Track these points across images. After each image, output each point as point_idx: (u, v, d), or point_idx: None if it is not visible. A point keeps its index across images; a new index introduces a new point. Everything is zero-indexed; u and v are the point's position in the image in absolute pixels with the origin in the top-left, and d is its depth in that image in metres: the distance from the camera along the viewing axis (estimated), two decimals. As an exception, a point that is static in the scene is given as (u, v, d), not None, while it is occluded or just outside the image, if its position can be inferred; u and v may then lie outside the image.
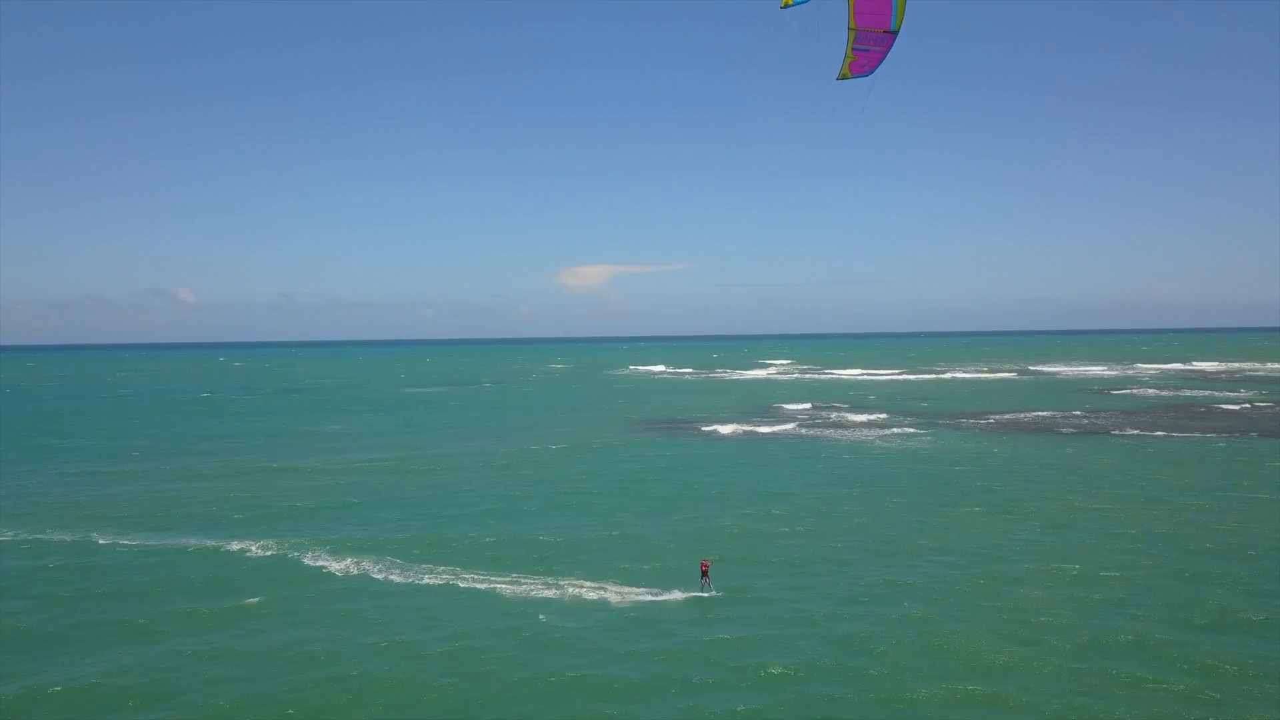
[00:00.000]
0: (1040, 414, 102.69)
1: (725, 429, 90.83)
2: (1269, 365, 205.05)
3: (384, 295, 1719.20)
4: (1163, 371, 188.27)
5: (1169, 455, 69.37)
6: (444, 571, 38.65)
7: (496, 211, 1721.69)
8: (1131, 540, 42.40)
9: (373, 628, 31.77)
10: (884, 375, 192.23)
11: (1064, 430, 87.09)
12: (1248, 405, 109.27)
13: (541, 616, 32.52)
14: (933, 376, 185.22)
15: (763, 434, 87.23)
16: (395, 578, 38.03)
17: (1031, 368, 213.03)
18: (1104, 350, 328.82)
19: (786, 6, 20.76)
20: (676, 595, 34.64)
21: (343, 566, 39.85)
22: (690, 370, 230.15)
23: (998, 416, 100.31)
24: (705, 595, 34.27)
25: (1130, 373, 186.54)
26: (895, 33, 20.66)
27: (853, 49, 21.23)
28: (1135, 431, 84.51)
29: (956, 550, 41.02)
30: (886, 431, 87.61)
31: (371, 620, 32.64)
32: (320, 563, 40.58)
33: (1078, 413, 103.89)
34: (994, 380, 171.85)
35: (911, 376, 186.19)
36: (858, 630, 30.64)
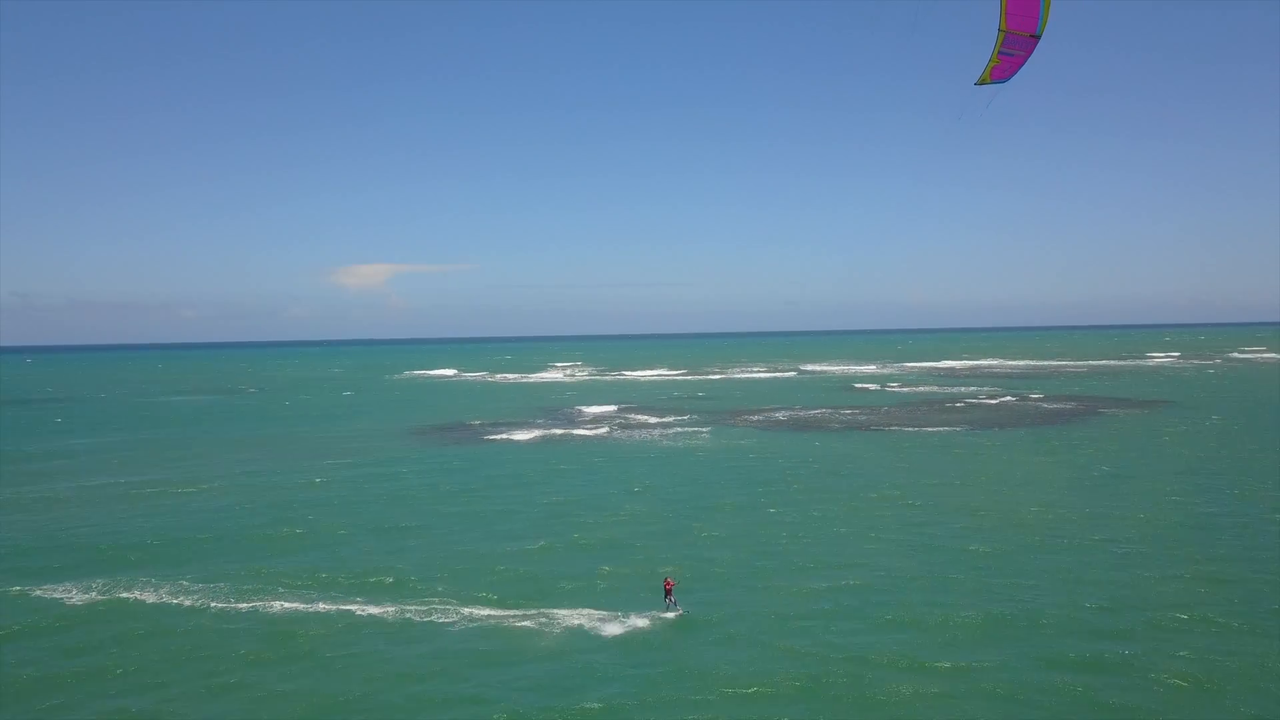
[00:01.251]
0: (817, 411, 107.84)
1: (523, 434, 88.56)
2: (1010, 362, 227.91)
3: (136, 295, 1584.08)
4: (919, 369, 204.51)
5: (921, 447, 74.23)
6: (286, 607, 34.61)
7: (264, 205, 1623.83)
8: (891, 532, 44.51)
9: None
10: (677, 376, 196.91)
11: (833, 426, 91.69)
12: (989, 400, 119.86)
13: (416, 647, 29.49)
14: (721, 376, 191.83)
15: (570, 437, 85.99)
16: (207, 619, 33.59)
17: (804, 367, 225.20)
18: (870, 349, 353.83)
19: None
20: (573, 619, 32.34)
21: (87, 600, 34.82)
22: (483, 374, 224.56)
23: (780, 413, 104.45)
24: (671, 615, 32.15)
25: (891, 370, 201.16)
26: (1039, 37, 19.65)
27: (999, 53, 20.25)
28: (895, 426, 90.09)
29: (817, 547, 41.40)
30: (686, 430, 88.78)
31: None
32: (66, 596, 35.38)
33: (846, 410, 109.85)
34: (775, 379, 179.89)
35: (701, 377, 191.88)
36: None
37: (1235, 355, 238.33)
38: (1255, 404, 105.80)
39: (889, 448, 74.69)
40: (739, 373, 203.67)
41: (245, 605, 34.61)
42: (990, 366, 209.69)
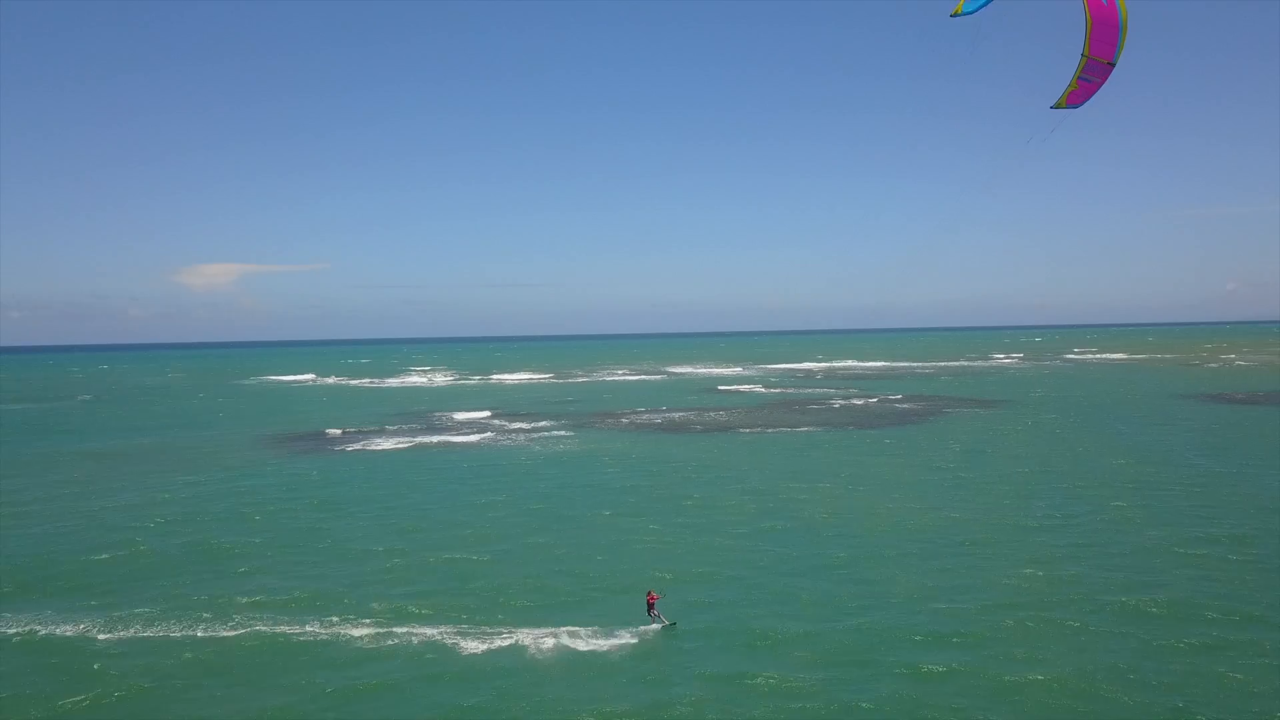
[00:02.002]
0: (683, 413, 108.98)
1: (387, 442, 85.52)
2: (865, 363, 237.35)
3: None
4: (780, 370, 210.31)
5: (781, 448, 76.06)
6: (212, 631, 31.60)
7: (99, 202, 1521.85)
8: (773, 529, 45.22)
9: None
10: (543, 379, 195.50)
11: (697, 428, 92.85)
12: (845, 401, 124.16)
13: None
14: (587, 379, 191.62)
15: (436, 444, 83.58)
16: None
17: (670, 369, 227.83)
18: (733, 351, 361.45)
19: (957, 15, 20.40)
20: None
21: None
22: (342, 378, 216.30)
23: (648, 416, 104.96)
24: (657, 627, 31.46)
25: (753, 372, 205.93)
26: (1114, 65, 19.95)
27: (1078, 78, 20.65)
28: (757, 428, 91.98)
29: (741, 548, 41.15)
30: (555, 435, 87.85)
31: None
32: None
33: (712, 412, 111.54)
34: (641, 382, 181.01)
35: (567, 380, 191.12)
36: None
37: (1069, 356, 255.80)
38: (1086, 403, 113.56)
39: (751, 449, 76.20)
40: (605, 375, 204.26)
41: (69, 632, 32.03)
42: (847, 368, 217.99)
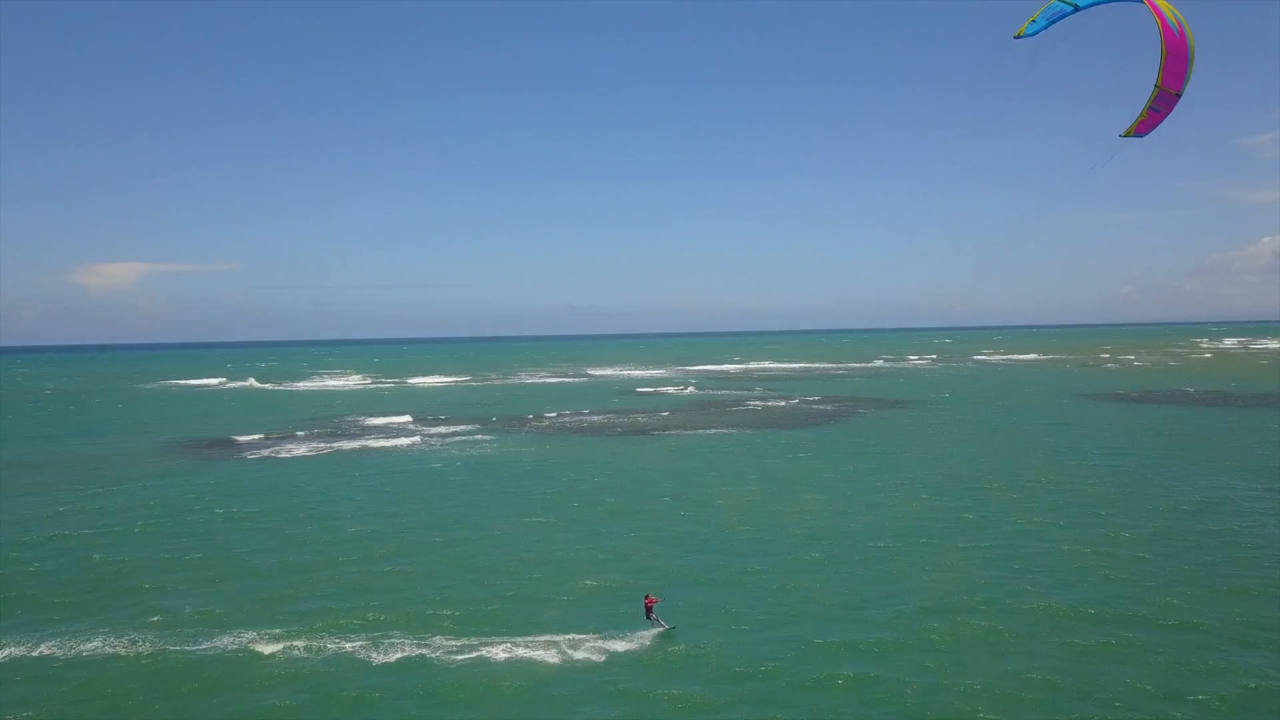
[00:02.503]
0: (602, 416, 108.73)
1: (300, 449, 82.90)
2: (781, 365, 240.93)
3: None
4: (698, 372, 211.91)
5: (699, 450, 76.49)
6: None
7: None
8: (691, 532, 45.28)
9: None
10: (459, 382, 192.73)
11: (617, 431, 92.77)
12: (762, 402, 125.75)
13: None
14: (504, 382, 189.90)
15: (351, 450, 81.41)
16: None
17: (589, 371, 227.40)
18: (652, 353, 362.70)
19: (1020, 37, 21.08)
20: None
21: None
22: (249, 382, 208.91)
23: (567, 418, 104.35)
24: (660, 630, 31.16)
25: (672, 373, 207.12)
26: (1180, 95, 20.71)
27: (1149, 108, 21.31)
28: (676, 430, 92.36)
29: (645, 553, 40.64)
30: (472, 439, 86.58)
31: None
32: None
33: (631, 414, 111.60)
34: (560, 384, 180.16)
35: (484, 383, 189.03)
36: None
37: (979, 357, 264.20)
38: (993, 403, 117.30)
39: (670, 452, 76.45)
40: (523, 378, 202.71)
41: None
42: (764, 369, 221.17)
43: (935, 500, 53.22)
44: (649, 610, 31.59)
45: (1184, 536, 42.91)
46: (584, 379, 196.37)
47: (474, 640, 30.95)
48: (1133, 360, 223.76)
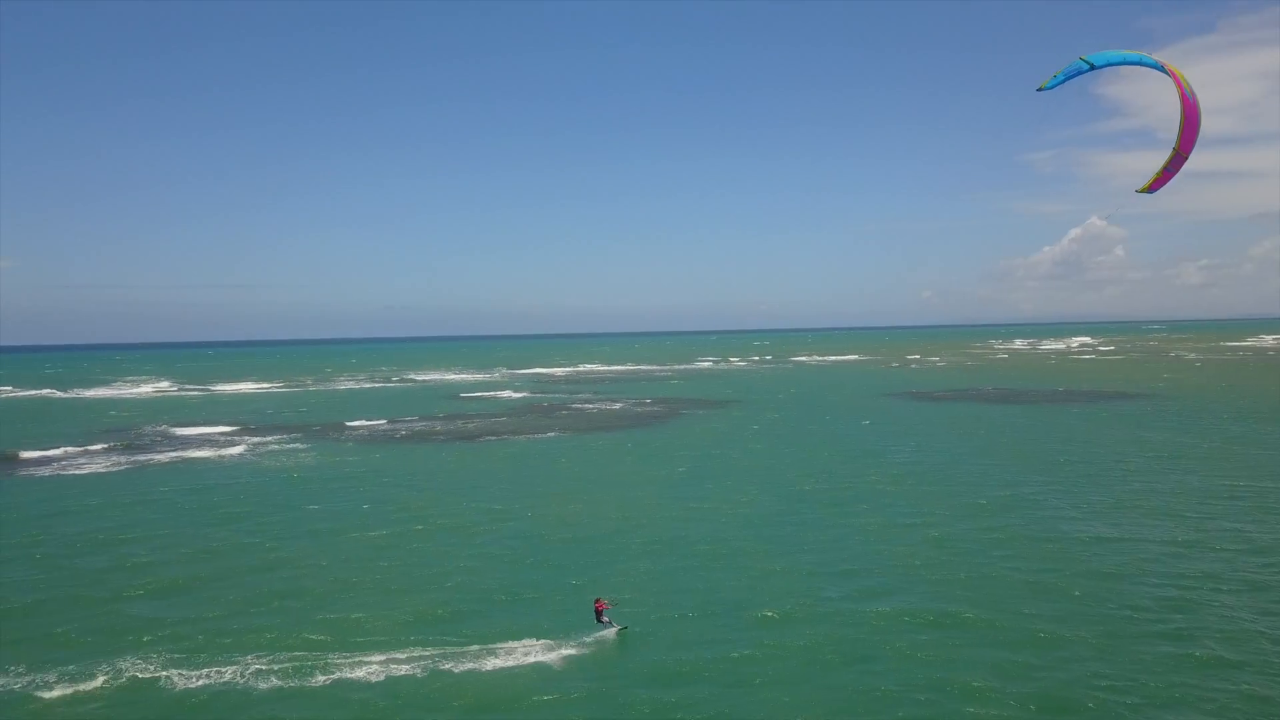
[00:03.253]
0: (425, 422, 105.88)
1: (98, 464, 75.81)
2: (606, 366, 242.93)
3: None
4: (523, 375, 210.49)
5: (526, 455, 75.97)
6: None
7: None
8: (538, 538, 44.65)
9: None
10: (272, 389, 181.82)
11: (440, 437, 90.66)
12: (589, 405, 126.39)
13: None
14: (321, 388, 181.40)
15: (157, 464, 75.19)
16: None
17: (410, 375, 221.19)
18: (475, 356, 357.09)
19: (1043, 89, 23.41)
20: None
21: None
22: (31, 391, 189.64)
23: (387, 425, 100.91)
24: (611, 631, 31.34)
25: (496, 377, 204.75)
26: (1187, 156, 23.50)
27: (1164, 168, 23.99)
28: (502, 435, 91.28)
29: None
30: (287, 449, 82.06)
31: None
32: None
33: (455, 420, 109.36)
34: (380, 390, 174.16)
35: (298, 389, 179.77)
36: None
37: (797, 359, 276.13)
38: (809, 402, 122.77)
39: (495, 457, 75.48)
40: (340, 384, 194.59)
41: None
42: (590, 372, 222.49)
43: (756, 498, 54.95)
44: (599, 614, 31.79)
45: (990, 533, 45.85)
46: (407, 384, 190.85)
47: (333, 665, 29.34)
48: (937, 361, 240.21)
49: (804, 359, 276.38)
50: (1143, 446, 72.25)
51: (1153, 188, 25.53)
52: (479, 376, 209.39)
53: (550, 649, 30.33)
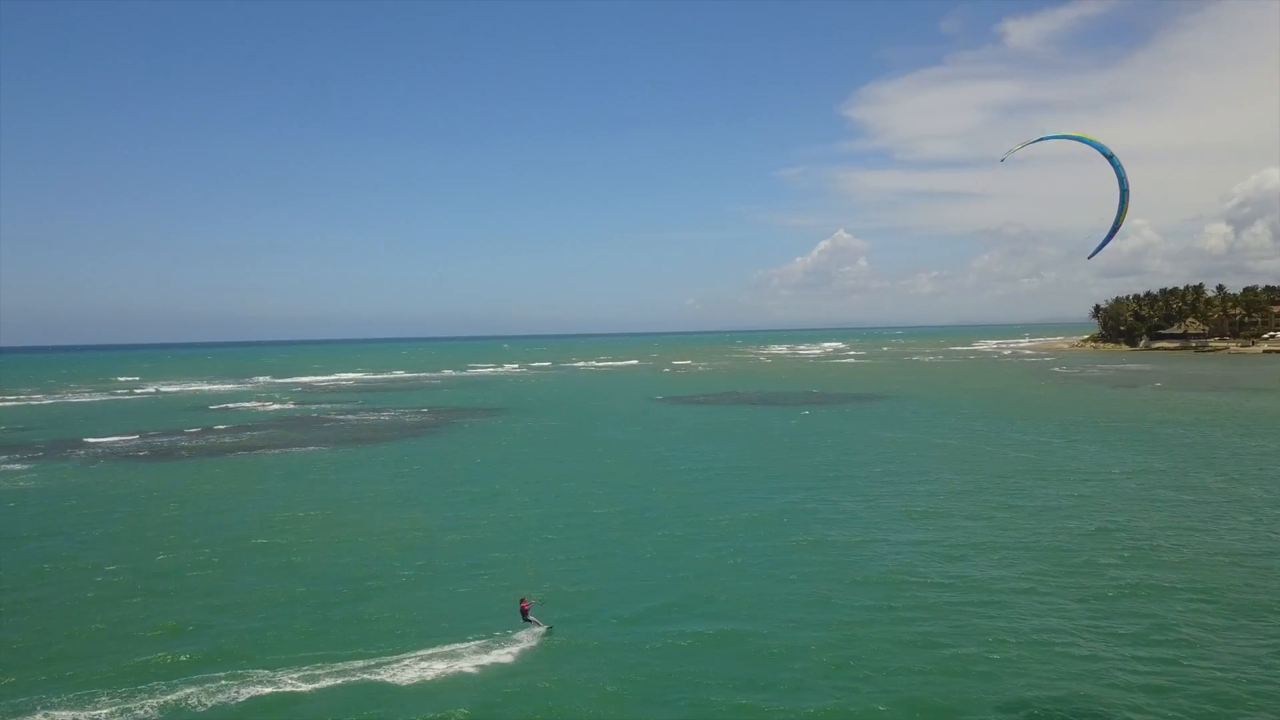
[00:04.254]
0: (170, 437, 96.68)
1: None
2: (367, 375, 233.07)
3: None
4: (280, 385, 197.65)
5: (287, 471, 71.13)
6: None
7: None
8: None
9: None
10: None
11: (183, 454, 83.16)
12: (354, 415, 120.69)
13: None
14: (46, 400, 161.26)
15: None
16: None
17: (152, 386, 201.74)
18: (220, 365, 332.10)
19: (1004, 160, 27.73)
20: None
21: None
22: None
23: (127, 440, 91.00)
24: (539, 630, 31.32)
25: (247, 386, 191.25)
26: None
27: (1106, 238, 28.00)
28: (256, 450, 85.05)
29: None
30: (19, 469, 71.80)
31: None
32: None
33: (207, 434, 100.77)
34: (116, 402, 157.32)
35: (13, 403, 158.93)
36: None
37: (571, 364, 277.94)
38: (581, 407, 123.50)
39: (248, 474, 70.08)
40: (66, 395, 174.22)
41: None
42: (352, 380, 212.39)
43: (536, 507, 54.22)
44: (524, 614, 31.72)
45: (745, 540, 47.66)
46: (143, 395, 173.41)
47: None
48: (698, 366, 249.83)
49: (580, 364, 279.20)
50: (900, 446, 78.03)
51: (1091, 256, 30.74)
52: (232, 387, 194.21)
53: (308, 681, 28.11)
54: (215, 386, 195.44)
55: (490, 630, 32.10)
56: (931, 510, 50.29)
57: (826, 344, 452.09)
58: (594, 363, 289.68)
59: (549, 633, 31.49)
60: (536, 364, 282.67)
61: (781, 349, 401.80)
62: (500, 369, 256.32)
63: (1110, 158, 26.43)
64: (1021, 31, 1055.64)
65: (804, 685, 27.22)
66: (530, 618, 31.82)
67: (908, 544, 42.98)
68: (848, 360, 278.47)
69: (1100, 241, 28.24)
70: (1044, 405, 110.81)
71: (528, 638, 31.30)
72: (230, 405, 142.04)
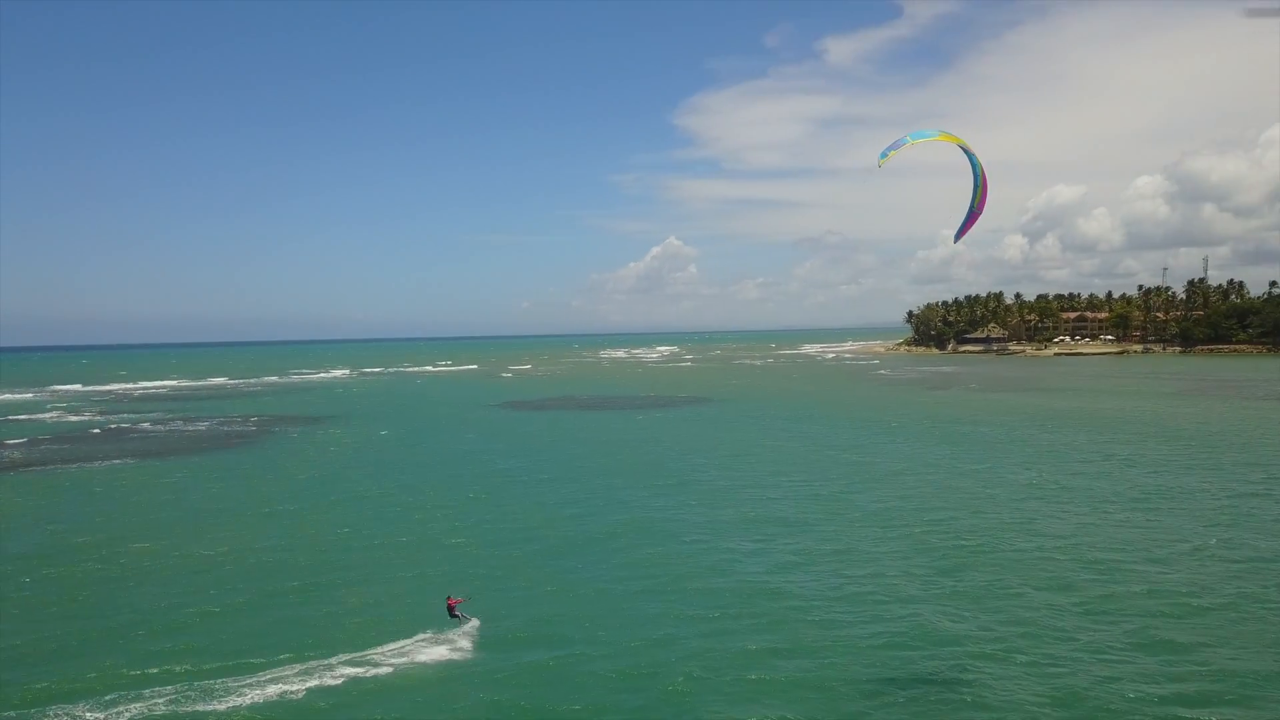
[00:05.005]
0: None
1: None
2: (187, 382, 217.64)
3: None
4: (77, 393, 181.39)
5: (78, 488, 64.83)
6: None
7: None
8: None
9: None
10: None
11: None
12: (165, 426, 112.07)
13: None
14: None
15: None
16: None
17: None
18: (14, 372, 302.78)
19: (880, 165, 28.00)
20: None
21: None
22: None
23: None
24: (462, 626, 31.71)
25: (41, 396, 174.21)
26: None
27: (965, 221, 29.34)
28: (50, 465, 77.20)
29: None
30: None
31: None
32: None
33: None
34: None
35: None
36: None
37: (403, 369, 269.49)
38: (412, 414, 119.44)
39: (39, 493, 63.40)
40: None
41: None
42: (165, 388, 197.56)
43: (364, 521, 51.54)
44: (451, 610, 32.00)
45: (590, 555, 47.07)
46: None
47: None
48: (530, 369, 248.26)
49: (414, 369, 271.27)
50: (739, 450, 79.33)
51: (958, 238, 30.99)
52: (30, 396, 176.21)
53: None
54: (9, 396, 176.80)
55: (305, 655, 29.93)
56: (773, 517, 51.12)
57: (662, 348, 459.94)
58: (429, 367, 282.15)
59: (467, 626, 31.87)
60: (369, 370, 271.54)
61: (619, 353, 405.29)
62: (329, 374, 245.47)
63: (968, 153, 28.16)
64: (840, 49, 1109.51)
65: (651, 706, 26.72)
66: (457, 613, 32.20)
67: (748, 553, 43.40)
68: (684, 364, 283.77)
69: (960, 225, 29.67)
70: (871, 407, 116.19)
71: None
72: (26, 417, 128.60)
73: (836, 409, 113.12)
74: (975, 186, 28.35)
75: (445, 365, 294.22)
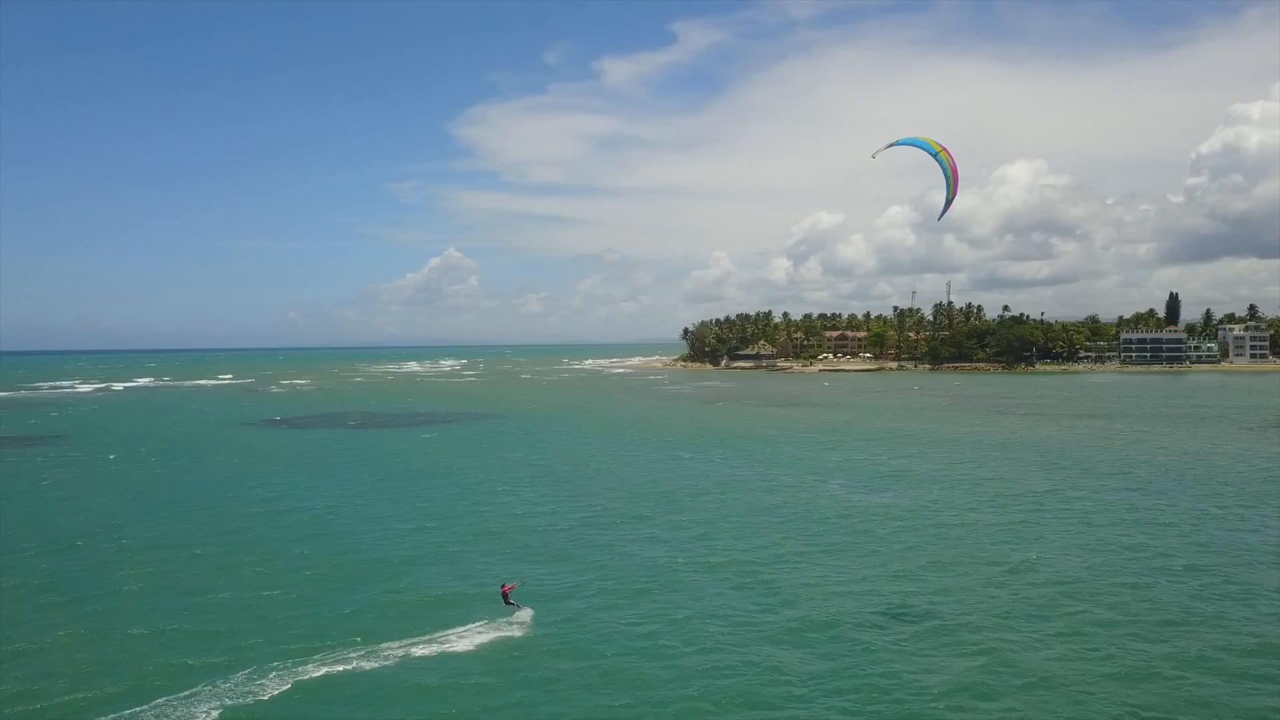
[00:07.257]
0: None
1: None
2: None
3: None
4: None
5: None
6: None
7: None
8: None
9: None
10: None
11: None
12: None
13: None
14: None
15: None
16: None
17: None
18: None
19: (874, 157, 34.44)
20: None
21: None
22: None
23: None
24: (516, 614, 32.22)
25: None
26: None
27: (947, 204, 34.29)
28: None
29: None
30: None
31: None
32: None
33: None
34: None
35: None
36: None
37: (137, 382, 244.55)
38: (153, 435, 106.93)
39: None
40: None
41: None
42: None
43: (72, 565, 43.63)
44: (505, 597, 32.51)
45: (364, 576, 42.21)
46: None
47: None
48: (297, 383, 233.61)
49: (149, 382, 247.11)
50: (531, 471, 75.69)
51: (940, 218, 36.54)
52: None
53: None
54: None
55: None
56: (580, 540, 48.13)
57: (444, 361, 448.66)
58: (186, 382, 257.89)
59: (528, 617, 32.24)
60: (117, 384, 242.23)
61: (397, 366, 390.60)
62: (61, 388, 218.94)
63: (935, 155, 32.72)
64: (618, 70, 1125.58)
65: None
66: (511, 601, 32.67)
67: (562, 581, 40.04)
68: (468, 378, 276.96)
69: (942, 209, 34.88)
70: (656, 422, 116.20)
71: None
72: None
73: (625, 424, 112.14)
74: (947, 181, 33.11)
75: (206, 380, 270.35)
